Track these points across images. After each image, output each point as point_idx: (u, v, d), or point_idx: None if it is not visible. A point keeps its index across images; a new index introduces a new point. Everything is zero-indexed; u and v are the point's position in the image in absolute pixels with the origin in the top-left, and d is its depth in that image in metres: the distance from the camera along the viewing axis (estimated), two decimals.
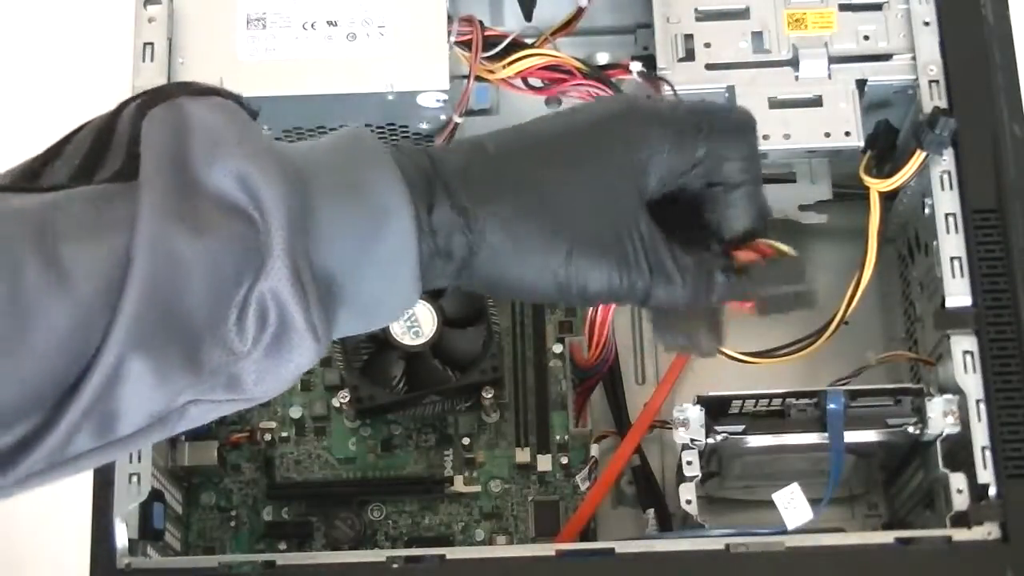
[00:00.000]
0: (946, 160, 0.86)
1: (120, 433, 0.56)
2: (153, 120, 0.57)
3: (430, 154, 0.62)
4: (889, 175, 0.87)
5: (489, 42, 0.90)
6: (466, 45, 0.90)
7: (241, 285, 0.56)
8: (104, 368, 0.54)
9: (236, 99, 0.60)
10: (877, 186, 0.87)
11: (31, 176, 0.59)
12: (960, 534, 0.79)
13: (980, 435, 0.81)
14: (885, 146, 0.90)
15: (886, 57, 0.89)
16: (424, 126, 0.91)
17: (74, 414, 0.54)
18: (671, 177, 0.64)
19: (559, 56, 0.89)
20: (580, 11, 0.94)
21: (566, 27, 0.94)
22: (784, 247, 0.66)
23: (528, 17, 0.95)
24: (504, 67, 0.90)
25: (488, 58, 0.90)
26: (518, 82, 0.91)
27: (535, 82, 0.91)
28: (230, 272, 0.55)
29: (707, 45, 0.90)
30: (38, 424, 0.54)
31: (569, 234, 0.62)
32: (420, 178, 0.60)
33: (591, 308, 0.91)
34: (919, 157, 0.86)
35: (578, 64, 0.89)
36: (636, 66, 0.89)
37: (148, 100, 0.59)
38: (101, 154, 0.59)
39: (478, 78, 0.90)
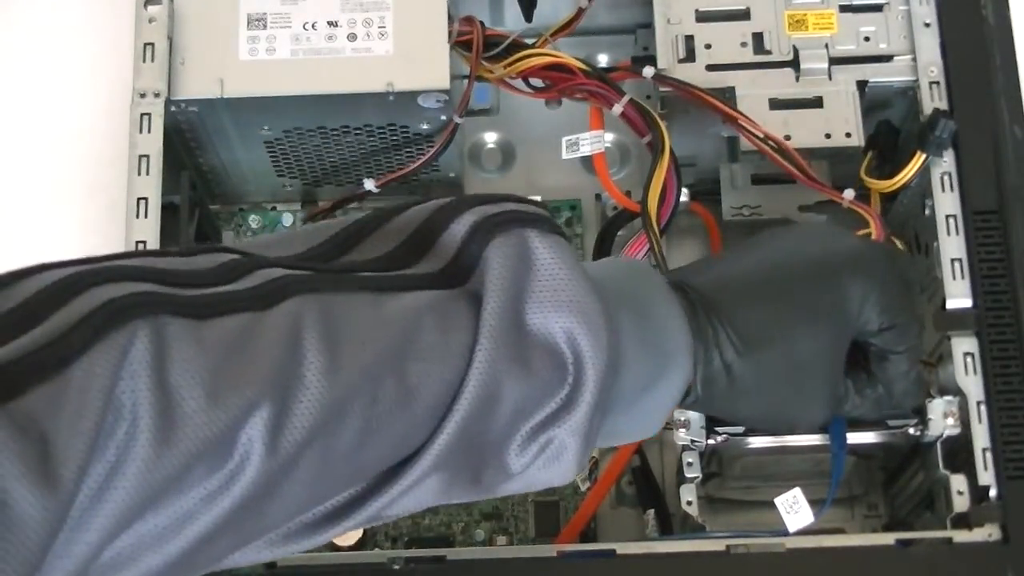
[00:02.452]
0: (946, 161, 0.86)
1: (380, 521, 0.61)
2: (499, 251, 0.60)
3: (697, 297, 0.67)
4: (890, 176, 0.87)
5: (489, 42, 0.90)
6: (466, 45, 0.90)
7: (533, 418, 0.60)
8: (406, 482, 0.58)
9: (554, 227, 0.63)
10: (878, 187, 0.87)
11: (343, 248, 0.61)
12: (960, 535, 0.79)
13: (981, 436, 0.81)
14: (886, 147, 0.90)
15: (887, 58, 0.89)
16: (424, 126, 0.91)
17: (369, 512, 0.59)
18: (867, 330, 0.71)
19: (560, 56, 0.89)
20: (580, 11, 0.94)
21: (566, 27, 0.94)
22: None
23: (528, 18, 0.95)
24: (505, 67, 0.90)
25: (488, 58, 0.90)
26: (519, 83, 0.91)
27: (536, 82, 0.91)
28: (531, 409, 0.60)
29: (708, 46, 0.90)
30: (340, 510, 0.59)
31: (804, 384, 0.69)
32: (695, 326, 0.65)
33: None
34: (919, 158, 0.86)
35: (580, 64, 0.89)
36: (649, 71, 0.88)
37: (490, 220, 0.61)
38: (420, 248, 0.61)
39: (478, 78, 0.90)
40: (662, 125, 0.87)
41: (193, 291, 0.53)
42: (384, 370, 0.56)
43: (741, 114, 0.86)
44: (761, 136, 0.86)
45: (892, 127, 0.91)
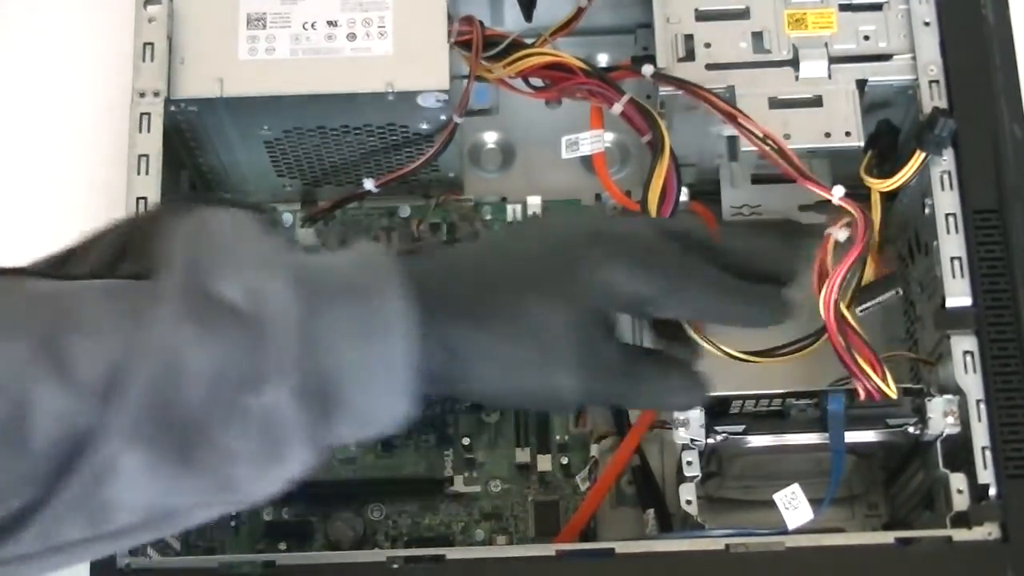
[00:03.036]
0: (946, 160, 0.86)
1: (113, 525, 0.58)
2: (173, 227, 0.60)
3: (420, 273, 0.64)
4: (890, 175, 0.87)
5: (489, 42, 0.90)
6: (466, 45, 0.90)
7: (243, 393, 0.58)
8: (95, 457, 0.56)
9: (258, 209, 0.64)
10: (878, 186, 0.87)
11: (56, 265, 0.62)
12: (960, 534, 0.79)
13: (980, 435, 0.81)
14: (886, 146, 0.90)
15: (886, 57, 0.89)
16: (424, 126, 0.91)
17: (64, 497, 0.56)
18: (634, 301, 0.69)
19: (561, 56, 0.89)
20: (580, 11, 0.94)
21: (566, 27, 0.94)
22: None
23: (528, 18, 0.95)
24: (505, 67, 0.90)
25: (488, 58, 0.90)
26: (519, 82, 0.91)
27: (536, 82, 0.91)
28: (233, 379, 0.57)
29: (707, 45, 0.90)
30: (29, 502, 0.56)
31: (549, 358, 0.66)
32: (422, 311, 0.62)
33: None
34: (919, 157, 0.86)
35: (580, 63, 0.89)
36: (648, 70, 0.88)
37: (172, 206, 0.63)
38: (123, 253, 0.62)
39: (478, 78, 0.90)
40: (662, 124, 0.87)
41: None
42: (21, 343, 0.55)
43: (740, 112, 0.86)
44: (760, 135, 0.86)
45: (892, 126, 0.91)
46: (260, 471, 0.60)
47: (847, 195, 0.86)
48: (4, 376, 0.55)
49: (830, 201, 0.86)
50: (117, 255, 0.63)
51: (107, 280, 0.60)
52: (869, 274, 0.86)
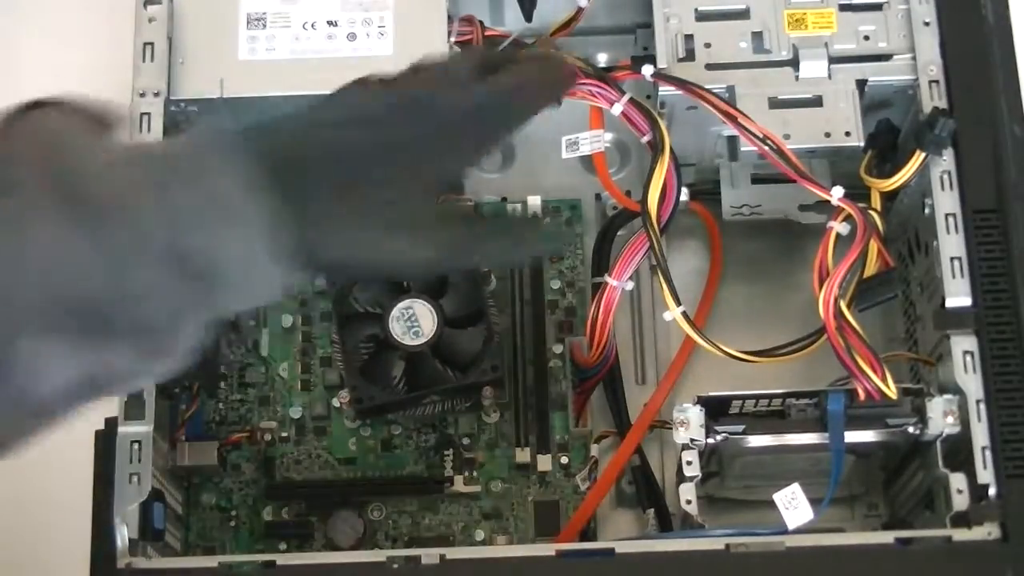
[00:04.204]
0: (946, 160, 0.86)
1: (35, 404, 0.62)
2: (14, 137, 0.63)
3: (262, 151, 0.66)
4: (890, 175, 0.87)
5: (490, 42, 0.90)
6: (466, 46, 0.90)
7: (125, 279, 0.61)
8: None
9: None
10: (878, 186, 0.87)
11: None
12: (960, 534, 0.79)
13: (980, 435, 0.81)
14: (886, 145, 0.90)
15: (886, 57, 0.89)
16: None
17: None
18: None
19: (561, 56, 0.89)
20: (580, 11, 0.94)
21: (565, 27, 0.94)
22: None
23: (528, 18, 0.95)
24: None
25: None
26: None
27: None
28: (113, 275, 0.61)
29: (707, 45, 0.90)
30: None
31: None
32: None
33: (592, 309, 0.90)
34: (919, 157, 0.86)
35: (580, 64, 0.89)
36: (648, 70, 0.88)
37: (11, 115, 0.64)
38: None
39: None
40: (662, 124, 0.88)
41: None
42: None
43: (740, 112, 0.86)
44: (760, 136, 0.86)
45: (892, 126, 0.91)
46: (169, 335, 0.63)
47: (847, 195, 0.87)
48: None
49: (830, 201, 0.86)
50: None
51: None
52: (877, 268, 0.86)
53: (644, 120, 0.88)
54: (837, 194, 0.85)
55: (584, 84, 0.89)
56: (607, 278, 0.90)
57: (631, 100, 0.89)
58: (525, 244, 0.80)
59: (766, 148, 0.86)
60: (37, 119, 0.64)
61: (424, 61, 0.76)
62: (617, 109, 0.89)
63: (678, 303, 0.88)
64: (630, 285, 0.90)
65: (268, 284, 0.66)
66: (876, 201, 0.88)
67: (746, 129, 0.86)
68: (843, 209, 0.85)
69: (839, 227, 0.85)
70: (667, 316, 0.88)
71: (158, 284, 0.62)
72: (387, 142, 0.70)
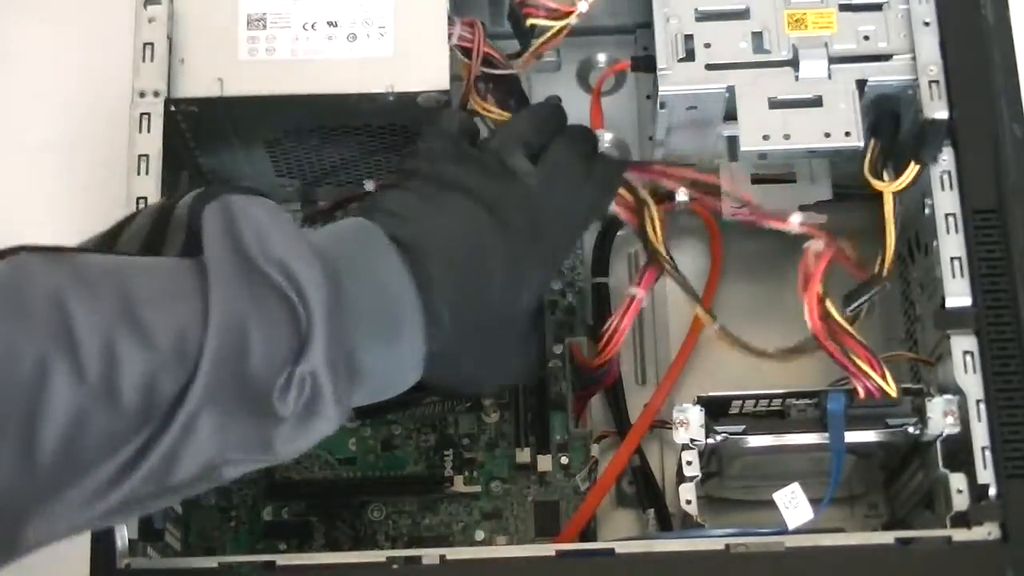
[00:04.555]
0: (946, 160, 0.86)
1: (174, 480, 0.63)
2: (209, 210, 0.67)
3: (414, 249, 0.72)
4: (895, 171, 0.87)
5: (487, 60, 0.89)
6: (467, 51, 0.89)
7: (288, 362, 0.64)
8: (182, 419, 0.62)
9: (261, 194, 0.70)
10: (889, 187, 0.87)
11: (104, 246, 0.69)
12: (960, 534, 0.79)
13: (980, 435, 0.81)
14: (886, 136, 0.89)
15: (886, 57, 0.89)
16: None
17: (157, 454, 0.62)
18: None
19: None
20: (566, 26, 0.92)
21: (556, 36, 0.92)
22: None
23: (524, 46, 0.93)
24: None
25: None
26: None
27: None
28: (282, 349, 0.64)
29: (707, 45, 0.90)
30: (127, 459, 0.62)
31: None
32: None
33: (616, 319, 0.90)
34: (915, 168, 0.86)
35: None
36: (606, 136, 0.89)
37: (203, 193, 0.68)
38: (162, 235, 0.68)
39: (473, 112, 0.90)
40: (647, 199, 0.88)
41: None
42: (105, 314, 0.61)
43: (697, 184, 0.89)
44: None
45: (894, 114, 0.90)
46: (297, 432, 0.67)
47: (847, 195, 0.86)
48: (91, 339, 0.60)
49: (830, 201, 0.87)
50: (156, 238, 0.69)
51: (161, 258, 0.67)
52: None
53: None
54: (795, 220, 0.86)
55: None
56: (634, 290, 0.89)
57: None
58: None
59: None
60: (241, 204, 0.68)
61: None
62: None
63: (714, 319, 0.89)
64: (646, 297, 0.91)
65: (402, 384, 0.73)
66: (888, 203, 0.87)
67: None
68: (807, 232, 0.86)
69: (815, 245, 0.85)
70: (708, 331, 0.90)
71: (315, 374, 0.66)
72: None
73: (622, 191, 0.87)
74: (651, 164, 0.91)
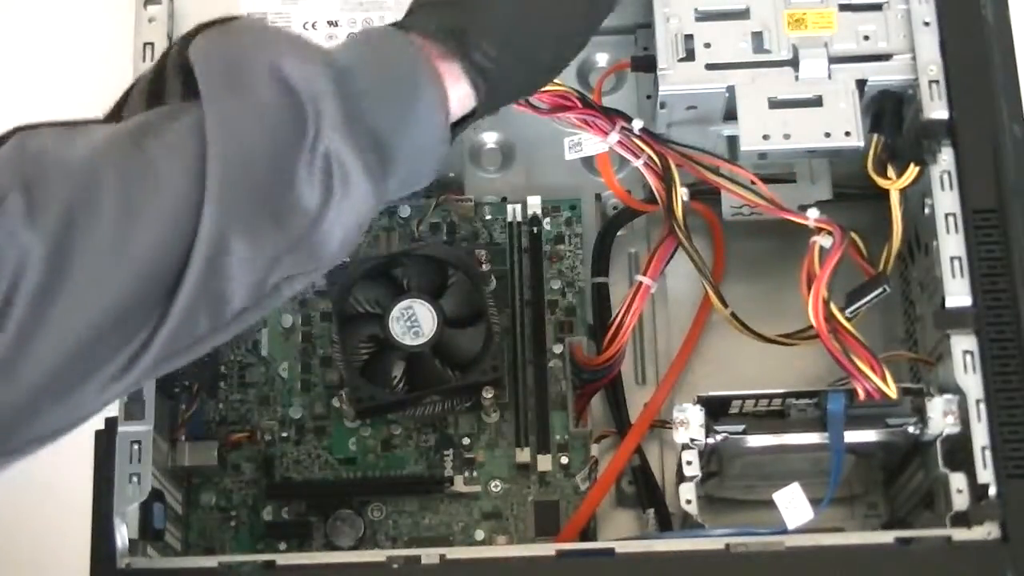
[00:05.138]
0: (946, 160, 0.86)
1: (231, 312, 0.65)
2: (200, 40, 0.67)
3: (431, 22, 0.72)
4: (897, 170, 0.87)
5: None
6: None
7: (302, 149, 0.64)
8: (204, 244, 0.62)
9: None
10: (896, 185, 0.87)
11: (113, 116, 0.69)
12: (960, 534, 0.79)
13: (980, 435, 0.81)
14: (891, 130, 0.89)
15: (886, 57, 0.89)
16: None
17: (186, 298, 0.62)
18: None
19: (561, 87, 0.88)
20: None
21: None
22: None
23: None
24: None
25: None
26: None
27: (536, 102, 0.90)
28: (290, 139, 0.64)
29: (707, 45, 0.90)
30: (155, 323, 0.62)
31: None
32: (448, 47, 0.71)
33: (623, 309, 0.90)
34: (915, 170, 0.86)
35: (577, 94, 0.89)
36: (638, 123, 0.89)
37: (188, 36, 0.68)
38: (162, 83, 0.68)
39: None
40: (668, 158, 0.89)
41: None
42: (121, 148, 0.62)
43: (723, 177, 0.89)
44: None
45: (896, 109, 0.90)
46: (337, 221, 0.66)
47: (846, 195, 0.86)
48: (110, 168, 0.61)
49: (830, 200, 0.87)
50: (155, 88, 0.69)
51: (160, 108, 0.66)
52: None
53: (637, 149, 0.89)
54: (813, 215, 0.86)
55: (580, 114, 0.89)
56: (641, 278, 0.90)
57: (623, 130, 0.89)
58: None
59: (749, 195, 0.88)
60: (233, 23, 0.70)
61: None
62: (612, 139, 0.89)
63: (725, 305, 0.89)
64: (655, 286, 0.91)
65: (432, 162, 0.71)
66: (895, 201, 0.87)
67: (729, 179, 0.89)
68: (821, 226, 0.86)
69: (821, 240, 0.85)
70: (713, 319, 0.92)
71: (334, 151, 0.65)
72: None
73: (653, 158, 0.88)
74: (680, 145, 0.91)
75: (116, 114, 0.70)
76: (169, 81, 0.68)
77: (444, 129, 0.70)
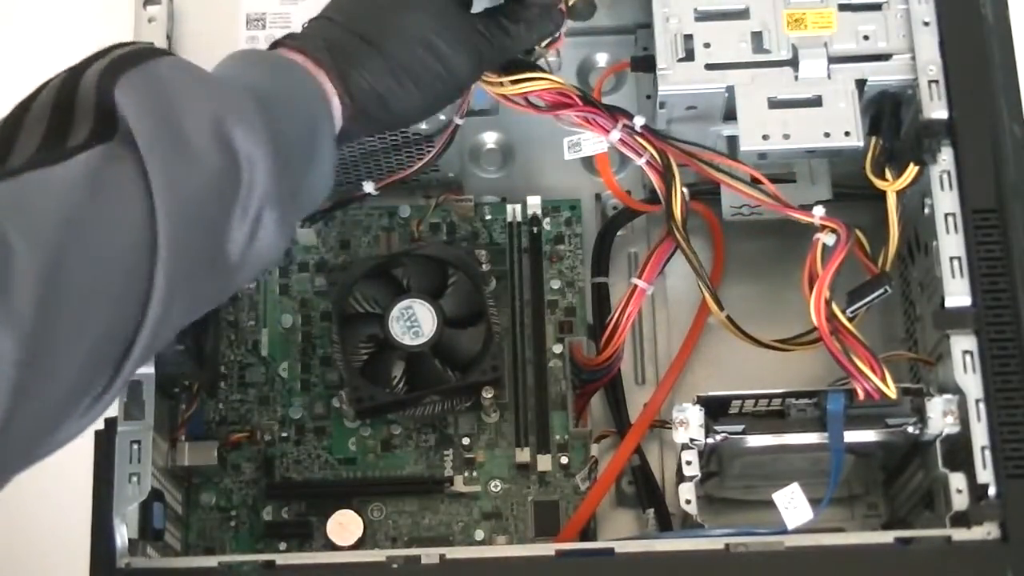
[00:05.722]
0: (945, 160, 0.86)
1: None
2: (130, 86, 0.65)
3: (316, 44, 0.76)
4: (896, 170, 0.87)
5: None
6: None
7: (237, 204, 0.67)
8: (157, 305, 0.64)
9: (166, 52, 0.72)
10: (891, 187, 0.87)
11: (5, 145, 0.65)
12: (960, 534, 0.79)
13: (980, 435, 0.81)
14: (889, 133, 0.89)
15: (886, 57, 0.89)
16: (424, 127, 0.91)
17: (134, 361, 0.65)
18: None
19: (562, 84, 0.88)
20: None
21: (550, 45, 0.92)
22: None
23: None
24: (509, 84, 0.89)
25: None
26: (518, 98, 0.90)
27: (536, 101, 0.90)
28: (229, 195, 0.67)
29: (707, 45, 0.90)
30: (105, 383, 0.65)
31: (433, 56, 0.79)
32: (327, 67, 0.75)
33: (618, 310, 0.90)
34: (914, 169, 0.86)
35: (578, 92, 0.88)
36: (640, 120, 0.89)
37: (111, 66, 0.66)
38: (67, 121, 0.66)
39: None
40: (668, 154, 0.89)
41: None
42: (66, 243, 0.61)
43: (726, 174, 0.89)
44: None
45: (895, 112, 0.90)
46: (254, 256, 0.70)
47: (844, 194, 0.86)
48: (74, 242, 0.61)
49: (831, 200, 0.87)
50: (59, 126, 0.66)
51: (91, 159, 0.64)
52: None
53: (638, 146, 0.89)
54: (819, 213, 0.86)
55: (582, 112, 0.88)
56: (637, 281, 0.90)
57: (625, 128, 0.89)
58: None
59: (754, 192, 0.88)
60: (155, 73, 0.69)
61: None
62: (614, 137, 0.89)
63: (721, 308, 0.89)
64: (650, 289, 0.91)
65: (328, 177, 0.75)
66: (892, 203, 0.87)
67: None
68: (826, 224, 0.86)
69: (825, 238, 0.85)
70: (712, 320, 0.91)
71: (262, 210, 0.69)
72: None
73: (655, 156, 0.88)
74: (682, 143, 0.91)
75: (12, 133, 0.66)
76: (78, 117, 0.66)
77: (333, 159, 0.76)
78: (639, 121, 0.89)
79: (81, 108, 0.66)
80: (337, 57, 0.76)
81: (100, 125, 0.65)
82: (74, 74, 0.67)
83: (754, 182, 0.88)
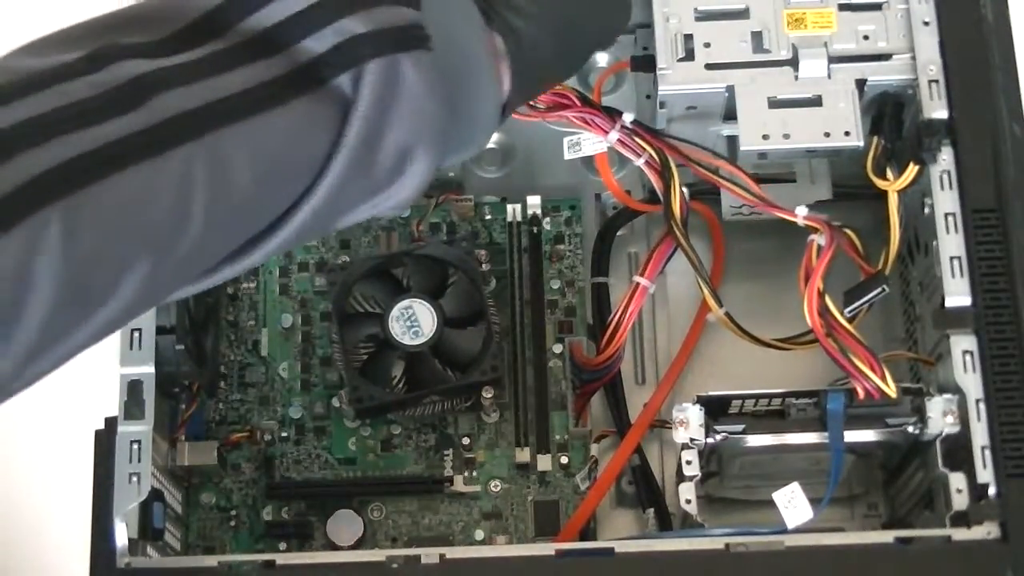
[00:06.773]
0: (945, 160, 0.86)
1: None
2: (372, 79, 0.63)
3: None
4: (898, 167, 0.87)
5: None
6: None
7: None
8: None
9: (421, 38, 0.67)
10: (892, 186, 0.87)
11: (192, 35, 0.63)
12: (960, 533, 0.79)
13: (980, 435, 0.81)
14: (890, 133, 0.89)
15: (886, 57, 0.89)
16: None
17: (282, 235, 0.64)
18: None
19: (561, 85, 0.88)
20: None
21: None
22: None
23: None
24: None
25: None
26: None
27: (534, 102, 0.90)
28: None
29: (707, 45, 0.90)
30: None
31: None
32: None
33: (620, 309, 0.90)
34: (915, 169, 0.86)
35: (577, 93, 0.89)
36: (628, 117, 0.89)
37: (358, 41, 0.63)
38: (260, 51, 0.63)
39: None
40: (667, 154, 0.89)
41: (96, 128, 0.56)
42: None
43: (721, 176, 0.89)
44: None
45: (896, 111, 0.90)
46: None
47: (847, 194, 0.86)
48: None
49: (831, 199, 0.87)
50: (247, 49, 0.63)
51: (302, 109, 0.63)
52: None
53: (637, 146, 0.89)
54: (801, 212, 0.86)
55: (580, 113, 0.89)
56: (639, 279, 0.90)
57: (623, 129, 0.89)
58: None
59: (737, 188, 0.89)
60: None
61: None
62: (613, 138, 0.89)
63: (720, 305, 0.89)
64: (652, 288, 0.91)
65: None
66: (892, 202, 0.87)
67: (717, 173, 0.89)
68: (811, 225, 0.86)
69: (819, 239, 0.85)
70: (710, 318, 0.91)
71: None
72: None
73: (653, 156, 0.88)
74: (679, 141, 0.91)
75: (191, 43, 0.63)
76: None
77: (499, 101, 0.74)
78: (628, 117, 0.89)
79: (293, 52, 0.63)
80: None
81: (298, 75, 0.63)
82: (305, 23, 0.64)
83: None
